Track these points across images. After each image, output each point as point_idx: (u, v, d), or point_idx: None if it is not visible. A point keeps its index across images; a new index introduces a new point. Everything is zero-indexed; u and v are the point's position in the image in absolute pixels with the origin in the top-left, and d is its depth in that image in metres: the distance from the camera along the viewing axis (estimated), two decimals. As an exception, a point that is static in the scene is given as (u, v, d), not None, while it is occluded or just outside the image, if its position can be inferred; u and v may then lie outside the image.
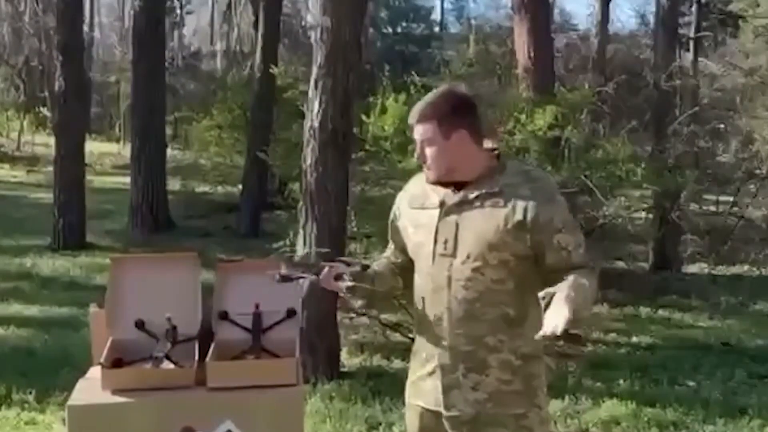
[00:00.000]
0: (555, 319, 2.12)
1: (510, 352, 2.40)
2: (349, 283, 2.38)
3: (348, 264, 2.43)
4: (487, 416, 2.41)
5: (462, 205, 2.39)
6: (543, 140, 7.09)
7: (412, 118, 2.46)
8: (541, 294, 2.24)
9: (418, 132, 2.44)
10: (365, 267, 2.43)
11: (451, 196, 2.41)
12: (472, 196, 2.39)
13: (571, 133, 7.39)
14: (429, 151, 2.42)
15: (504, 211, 2.35)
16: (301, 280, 2.41)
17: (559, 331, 2.09)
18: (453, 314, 2.38)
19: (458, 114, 2.43)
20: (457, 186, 2.42)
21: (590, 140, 8.39)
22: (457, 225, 2.38)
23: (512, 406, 2.41)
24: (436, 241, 2.40)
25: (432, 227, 2.41)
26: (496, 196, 2.37)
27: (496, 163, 2.45)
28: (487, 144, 2.49)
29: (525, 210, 2.34)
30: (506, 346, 2.40)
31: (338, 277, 2.39)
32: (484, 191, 2.38)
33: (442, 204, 2.42)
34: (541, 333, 2.14)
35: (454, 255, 2.38)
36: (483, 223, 2.36)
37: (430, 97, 2.51)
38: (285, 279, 2.38)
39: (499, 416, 2.41)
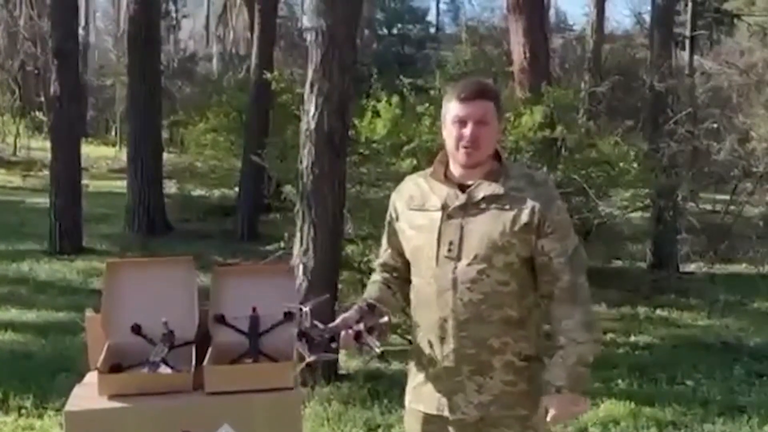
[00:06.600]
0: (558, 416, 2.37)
1: (513, 354, 2.40)
2: (375, 348, 2.25)
3: (359, 310, 2.30)
4: (492, 418, 2.40)
5: (467, 208, 2.38)
6: (535, 140, 7.09)
7: (470, 93, 2.38)
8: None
9: (476, 107, 2.36)
10: (371, 306, 2.34)
11: (454, 198, 2.39)
12: (477, 197, 2.37)
13: (563, 133, 7.39)
14: (482, 130, 2.36)
15: (510, 214, 2.35)
16: (324, 356, 2.29)
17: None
18: (458, 316, 2.36)
19: (502, 105, 2.45)
20: (461, 187, 2.40)
21: (584, 140, 8.39)
22: (461, 227, 2.36)
23: (517, 408, 2.41)
24: (439, 244, 2.37)
25: (434, 229, 2.39)
26: (501, 198, 2.36)
27: (498, 165, 2.44)
28: None
29: (531, 213, 2.34)
30: (510, 348, 2.39)
31: (357, 335, 2.27)
32: (489, 193, 2.37)
33: (444, 206, 2.39)
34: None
35: (459, 257, 2.35)
36: (489, 226, 2.35)
37: (477, 80, 2.53)
38: (304, 360, 2.25)
39: (504, 418, 2.41)
